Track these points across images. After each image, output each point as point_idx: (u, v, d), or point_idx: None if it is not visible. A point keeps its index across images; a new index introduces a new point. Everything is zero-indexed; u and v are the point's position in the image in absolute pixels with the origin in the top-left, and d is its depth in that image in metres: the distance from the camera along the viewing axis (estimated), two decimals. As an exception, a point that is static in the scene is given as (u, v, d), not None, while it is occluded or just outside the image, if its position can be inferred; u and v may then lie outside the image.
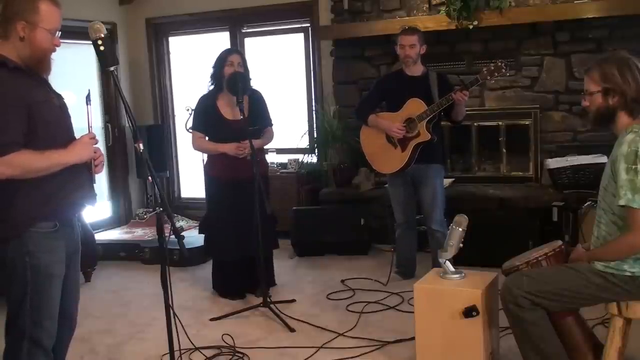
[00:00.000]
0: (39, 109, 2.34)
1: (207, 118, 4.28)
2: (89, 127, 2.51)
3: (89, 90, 2.53)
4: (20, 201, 2.33)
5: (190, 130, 4.49)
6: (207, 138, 4.33)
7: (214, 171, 4.35)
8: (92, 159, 2.47)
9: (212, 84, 4.31)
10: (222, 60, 4.23)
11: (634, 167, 2.39)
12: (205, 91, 4.37)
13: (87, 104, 2.54)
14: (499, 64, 4.02)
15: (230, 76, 4.12)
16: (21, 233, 2.34)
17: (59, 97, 2.50)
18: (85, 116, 2.54)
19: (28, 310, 2.39)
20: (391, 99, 4.46)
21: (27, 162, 2.28)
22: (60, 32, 2.43)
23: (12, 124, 2.28)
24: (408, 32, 4.32)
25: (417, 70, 4.37)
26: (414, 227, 4.62)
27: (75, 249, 2.59)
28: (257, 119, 4.27)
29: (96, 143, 2.49)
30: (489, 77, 4.10)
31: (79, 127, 2.54)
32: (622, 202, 2.41)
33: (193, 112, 4.43)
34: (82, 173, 2.49)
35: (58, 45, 2.43)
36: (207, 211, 4.50)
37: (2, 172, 2.25)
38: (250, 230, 4.05)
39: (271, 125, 4.44)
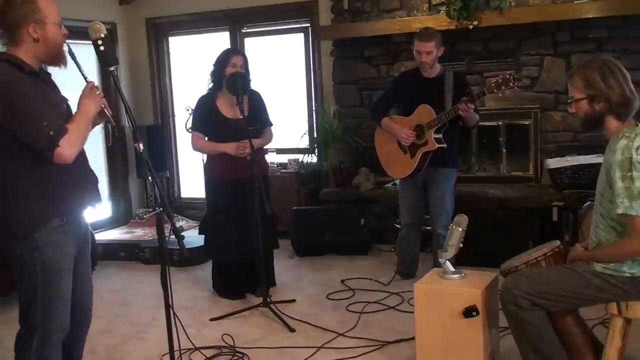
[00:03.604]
0: (54, 111, 2.40)
1: (206, 117, 4.28)
2: (85, 78, 2.49)
3: (68, 45, 2.49)
4: (33, 202, 2.37)
5: (190, 131, 4.49)
6: (206, 138, 4.34)
7: (214, 171, 4.34)
8: (103, 104, 2.49)
9: (211, 83, 4.31)
10: (224, 60, 4.21)
11: (629, 174, 2.38)
12: (204, 91, 4.37)
13: (72, 58, 2.50)
14: (508, 76, 3.91)
15: (231, 76, 4.11)
16: (34, 231, 2.37)
17: (65, 99, 2.56)
18: (76, 67, 2.50)
19: (40, 305, 2.41)
20: (405, 100, 4.43)
21: (75, 136, 2.35)
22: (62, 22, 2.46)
23: (48, 111, 2.34)
24: (425, 38, 4.18)
25: (433, 72, 4.31)
26: (418, 229, 4.61)
27: (84, 240, 2.62)
28: (256, 118, 4.27)
29: (98, 90, 2.49)
30: (496, 90, 3.98)
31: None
32: (620, 211, 2.41)
33: (192, 112, 4.42)
34: (87, 174, 2.56)
35: (66, 34, 2.46)
36: (207, 212, 4.49)
37: (73, 153, 2.34)
38: (250, 231, 4.06)
39: (270, 125, 4.44)
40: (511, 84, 3.93)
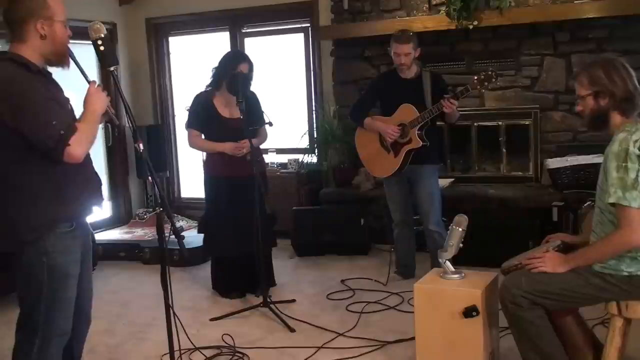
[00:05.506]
0: (63, 110, 2.39)
1: (203, 116, 4.28)
2: (86, 79, 2.48)
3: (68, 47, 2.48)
4: (42, 205, 2.35)
5: (186, 128, 4.47)
6: (202, 136, 4.34)
7: (212, 170, 4.35)
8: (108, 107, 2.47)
9: (211, 79, 4.29)
10: (232, 64, 4.20)
11: (624, 164, 2.41)
12: (202, 89, 4.36)
13: (73, 59, 2.49)
14: (490, 73, 4.03)
15: (232, 76, 4.11)
16: (42, 236, 2.35)
17: (69, 99, 2.54)
18: (78, 70, 2.49)
19: (42, 310, 2.39)
20: (384, 101, 4.48)
21: (84, 134, 2.32)
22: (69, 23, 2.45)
23: (57, 110, 2.31)
24: (402, 40, 4.25)
25: (410, 72, 4.36)
26: (411, 226, 4.62)
27: (88, 247, 2.62)
28: (254, 118, 4.27)
29: (102, 89, 2.47)
30: (479, 87, 4.11)
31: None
32: (612, 200, 2.42)
33: (188, 110, 4.41)
34: (92, 176, 2.55)
35: (70, 35, 2.45)
36: (206, 210, 4.50)
37: (83, 152, 2.31)
38: (249, 228, 4.06)
39: (264, 124, 4.42)
40: (493, 79, 4.06)
